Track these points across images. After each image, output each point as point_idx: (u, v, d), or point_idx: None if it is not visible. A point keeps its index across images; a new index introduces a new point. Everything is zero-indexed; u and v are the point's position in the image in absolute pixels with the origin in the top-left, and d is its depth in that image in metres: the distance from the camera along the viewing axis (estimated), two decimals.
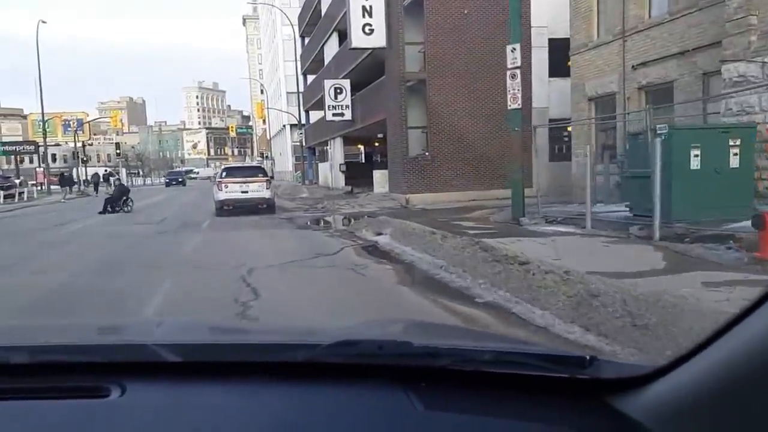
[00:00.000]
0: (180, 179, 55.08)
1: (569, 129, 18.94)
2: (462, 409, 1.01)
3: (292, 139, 61.14)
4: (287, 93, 59.28)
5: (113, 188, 22.52)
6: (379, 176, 24.78)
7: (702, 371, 0.84)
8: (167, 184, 53.19)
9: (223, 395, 1.06)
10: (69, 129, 56.23)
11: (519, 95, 11.67)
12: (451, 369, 1.07)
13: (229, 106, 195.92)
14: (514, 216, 12.03)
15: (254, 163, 38.58)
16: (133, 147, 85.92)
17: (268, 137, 70.89)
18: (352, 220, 16.84)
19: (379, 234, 12.04)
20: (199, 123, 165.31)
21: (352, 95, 27.28)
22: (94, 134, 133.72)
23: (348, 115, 27.28)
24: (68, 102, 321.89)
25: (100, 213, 21.02)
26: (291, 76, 59.91)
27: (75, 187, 42.97)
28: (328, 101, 27.20)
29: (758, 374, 0.75)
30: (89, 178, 54.61)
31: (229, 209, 18.76)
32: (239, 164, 34.07)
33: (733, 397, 0.78)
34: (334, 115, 27.33)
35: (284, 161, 64.88)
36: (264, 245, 11.61)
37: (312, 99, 41.85)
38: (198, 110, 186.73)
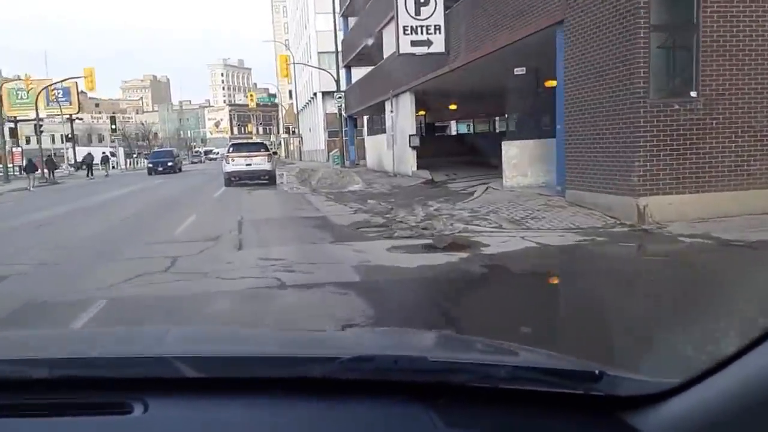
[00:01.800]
0: (170, 163, 35.38)
1: None
2: (481, 426, 0.99)
3: (325, 110, 48.66)
4: (318, 53, 46.69)
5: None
6: (517, 153, 12.16)
7: (721, 390, 0.82)
8: (150, 171, 34.52)
9: (243, 410, 1.05)
10: (52, 101, 44.34)
11: None
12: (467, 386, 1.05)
13: (255, 84, 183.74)
14: None
15: (259, 140, 35.67)
16: (143, 123, 73.61)
17: (295, 110, 58.30)
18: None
19: None
20: (224, 101, 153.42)
21: (445, 10, 14.66)
22: (113, 113, 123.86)
23: (439, 44, 14.65)
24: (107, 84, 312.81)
25: None
26: (323, 32, 47.19)
27: (38, 173, 31.04)
28: (403, 19, 14.57)
29: None
30: (83, 158, 43.16)
31: (237, 180, 19.63)
32: (245, 141, 33.00)
33: (753, 417, 0.76)
34: (413, 44, 14.70)
35: (315, 138, 52.40)
36: None
37: (355, 48, 29.22)
38: (223, 88, 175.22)
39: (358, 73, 32.83)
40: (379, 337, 1.78)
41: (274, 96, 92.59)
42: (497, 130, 29.86)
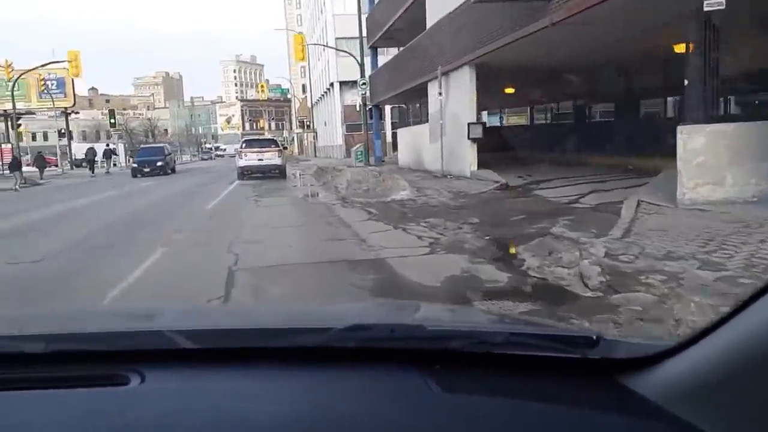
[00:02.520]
0: (160, 162, 27.61)
1: None
2: (477, 390, 0.97)
3: (342, 102, 43.66)
4: (336, 39, 41.60)
5: None
6: (704, 146, 7.03)
7: (715, 350, 0.81)
8: (135, 172, 27.14)
9: (240, 380, 1.03)
10: (42, 91, 39.59)
11: None
12: (464, 351, 1.03)
13: (267, 80, 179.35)
14: None
15: (269, 136, 34.90)
16: (149, 119, 67.56)
17: (309, 103, 53.29)
18: None
19: None
20: (236, 98, 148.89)
21: None
22: (123, 109, 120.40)
23: None
24: (108, 80, 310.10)
25: None
26: (341, 15, 42.24)
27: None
28: None
29: None
30: (85, 153, 38.63)
31: (249, 174, 19.83)
32: (256, 137, 31.02)
33: (747, 377, 0.74)
34: None
35: (331, 133, 47.46)
36: None
37: (384, 24, 24.22)
38: (235, 84, 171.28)
39: (382, 60, 27.86)
40: (375, 309, 1.74)
41: (287, 90, 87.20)
42: (557, 122, 24.65)
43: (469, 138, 14.44)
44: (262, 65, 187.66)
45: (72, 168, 40.57)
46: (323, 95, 51.11)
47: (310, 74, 53.40)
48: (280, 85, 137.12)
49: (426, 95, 18.13)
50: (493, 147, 20.27)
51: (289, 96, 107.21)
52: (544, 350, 1.01)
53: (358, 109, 45.53)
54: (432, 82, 16.72)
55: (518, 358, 1.01)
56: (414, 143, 20.27)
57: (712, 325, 0.83)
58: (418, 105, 22.72)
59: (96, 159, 35.40)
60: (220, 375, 1.03)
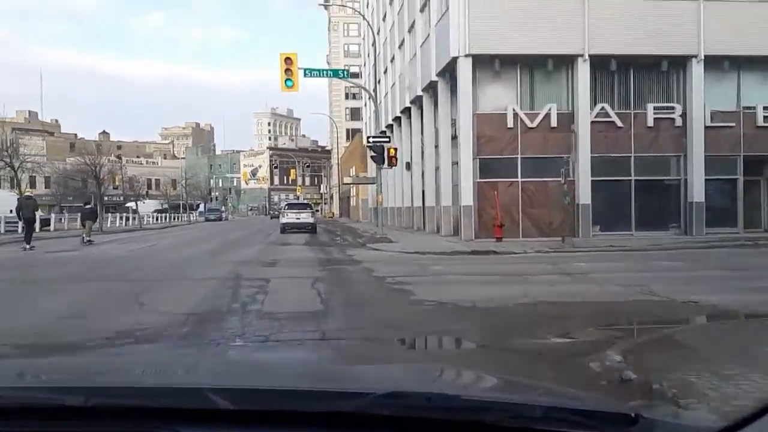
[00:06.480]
0: None
1: None
2: None
3: (475, 108, 17.58)
4: None
5: None
6: None
7: None
8: None
9: None
10: None
11: None
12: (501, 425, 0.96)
13: (303, 135, 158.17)
14: None
15: (304, 201, 38.38)
16: (118, 158, 43.97)
17: (380, 123, 27.67)
18: None
19: None
20: (267, 147, 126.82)
21: None
22: (137, 157, 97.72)
23: None
24: (151, 133, 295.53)
25: None
26: None
27: None
28: None
29: None
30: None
31: (289, 229, 25.40)
32: (295, 201, 36.84)
33: None
34: None
35: (426, 184, 21.81)
36: None
37: None
38: (269, 138, 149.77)
39: None
40: (412, 373, 1.65)
41: (347, 72, 61.45)
42: None
43: None
44: (299, 119, 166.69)
45: None
46: (405, 112, 25.90)
47: (376, 73, 28.28)
48: (316, 141, 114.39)
49: None
50: None
51: (328, 147, 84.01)
52: (581, 427, 0.94)
53: (508, 124, 18.99)
54: None
55: None
56: None
57: (764, 408, 0.74)
58: None
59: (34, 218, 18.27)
60: None
